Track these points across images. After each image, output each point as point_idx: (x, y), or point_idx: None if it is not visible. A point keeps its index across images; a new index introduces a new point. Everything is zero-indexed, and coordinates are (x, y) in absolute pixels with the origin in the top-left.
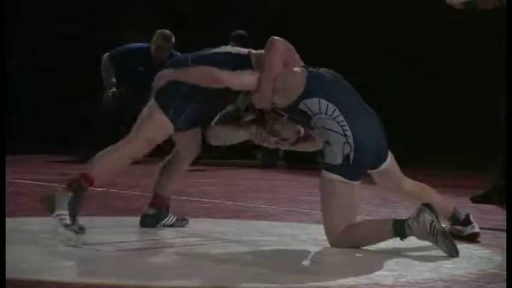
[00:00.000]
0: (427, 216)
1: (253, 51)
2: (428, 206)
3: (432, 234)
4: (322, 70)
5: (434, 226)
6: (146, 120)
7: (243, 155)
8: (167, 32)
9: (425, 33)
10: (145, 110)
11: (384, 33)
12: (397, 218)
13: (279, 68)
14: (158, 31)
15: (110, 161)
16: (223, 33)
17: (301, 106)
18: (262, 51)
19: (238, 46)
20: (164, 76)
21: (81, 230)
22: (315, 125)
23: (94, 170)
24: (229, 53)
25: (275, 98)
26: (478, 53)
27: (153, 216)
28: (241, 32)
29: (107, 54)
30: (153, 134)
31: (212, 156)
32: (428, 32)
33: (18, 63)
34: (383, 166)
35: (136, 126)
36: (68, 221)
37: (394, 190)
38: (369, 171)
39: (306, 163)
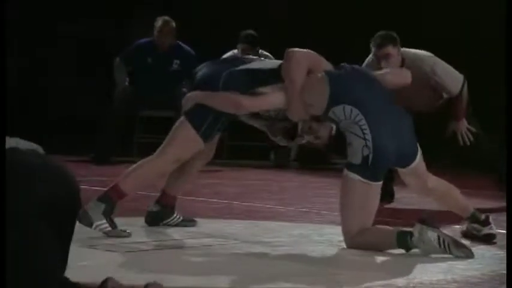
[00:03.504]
0: (431, 234)
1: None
2: (424, 223)
3: (444, 248)
4: (347, 67)
5: (443, 240)
6: (176, 137)
7: (257, 156)
8: (166, 17)
9: (440, 32)
10: (175, 126)
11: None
12: (400, 231)
13: (301, 80)
14: (158, 17)
15: (141, 177)
16: (232, 33)
17: (330, 114)
18: None
19: (247, 47)
20: (192, 98)
21: (125, 232)
22: (343, 129)
23: (125, 183)
24: (258, 70)
25: (310, 110)
26: (496, 52)
27: (157, 213)
28: (251, 32)
29: (118, 57)
30: (183, 152)
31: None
32: (445, 30)
33: (22, 63)
34: (412, 165)
35: (167, 143)
36: (109, 228)
37: (418, 187)
38: (398, 169)
39: (318, 164)
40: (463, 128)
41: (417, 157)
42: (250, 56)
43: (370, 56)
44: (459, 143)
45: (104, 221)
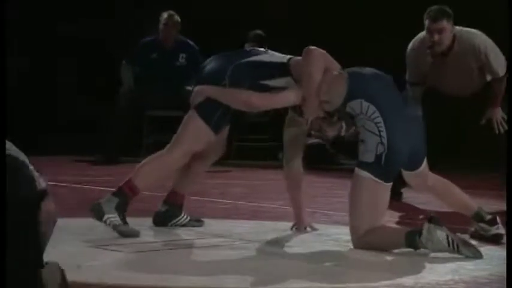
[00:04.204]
0: (440, 233)
1: (294, 58)
2: (433, 221)
3: (453, 247)
4: (367, 70)
5: (452, 239)
6: (187, 131)
7: (264, 156)
8: (171, 11)
9: None
10: (185, 120)
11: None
12: (409, 230)
13: (319, 77)
14: (163, 12)
15: (153, 172)
16: (232, 32)
17: (347, 108)
18: (300, 58)
19: (256, 46)
20: (201, 92)
21: (135, 231)
22: (358, 124)
23: (137, 178)
24: (266, 63)
25: (325, 107)
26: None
27: (165, 212)
28: (259, 32)
29: (124, 59)
30: (194, 144)
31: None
32: None
33: (22, 63)
34: (419, 169)
35: (178, 137)
36: (119, 222)
37: (418, 186)
38: (403, 171)
39: (326, 164)
40: (499, 115)
41: (425, 160)
42: (258, 48)
43: (421, 33)
44: (494, 131)
45: (116, 214)
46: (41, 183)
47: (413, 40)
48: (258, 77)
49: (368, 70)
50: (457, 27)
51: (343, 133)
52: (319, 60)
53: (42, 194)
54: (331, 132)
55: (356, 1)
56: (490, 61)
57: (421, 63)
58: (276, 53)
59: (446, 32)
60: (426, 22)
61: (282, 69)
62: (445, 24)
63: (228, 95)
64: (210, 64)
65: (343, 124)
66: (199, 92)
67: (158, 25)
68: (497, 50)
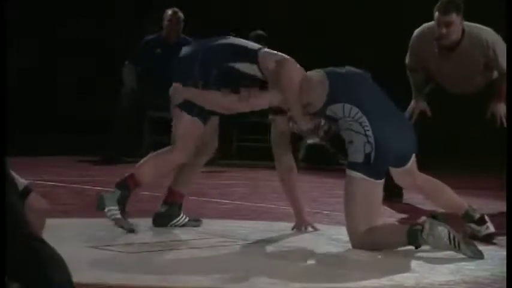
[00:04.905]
0: (442, 229)
1: (264, 50)
2: (436, 217)
3: (454, 244)
4: (347, 69)
5: (454, 236)
6: (179, 129)
7: (265, 156)
8: (175, 8)
9: None
10: (174, 121)
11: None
12: (411, 227)
13: (298, 79)
14: (166, 9)
15: (155, 168)
16: (232, 33)
17: (328, 111)
18: (272, 51)
19: None
20: (180, 92)
21: (131, 230)
22: (341, 127)
23: (140, 172)
24: (236, 46)
25: (307, 109)
26: None
27: (164, 213)
28: (260, 32)
29: (127, 60)
30: (191, 139)
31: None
32: None
33: (22, 63)
34: (407, 166)
35: (175, 136)
36: (119, 216)
37: (407, 185)
38: (390, 168)
39: (327, 164)
40: (503, 110)
41: (413, 157)
42: (227, 36)
43: (431, 22)
44: (497, 125)
45: (117, 207)
46: (20, 180)
47: (422, 26)
48: (227, 59)
49: (346, 69)
50: (467, 23)
51: (321, 128)
52: (294, 63)
53: (26, 191)
54: (307, 126)
55: (356, 1)
56: (497, 57)
57: (422, 51)
58: (245, 40)
59: (454, 26)
60: (436, 14)
61: (250, 56)
62: (454, 17)
63: (207, 98)
64: (184, 49)
65: (322, 119)
66: (178, 91)
67: (161, 23)
68: (505, 46)
